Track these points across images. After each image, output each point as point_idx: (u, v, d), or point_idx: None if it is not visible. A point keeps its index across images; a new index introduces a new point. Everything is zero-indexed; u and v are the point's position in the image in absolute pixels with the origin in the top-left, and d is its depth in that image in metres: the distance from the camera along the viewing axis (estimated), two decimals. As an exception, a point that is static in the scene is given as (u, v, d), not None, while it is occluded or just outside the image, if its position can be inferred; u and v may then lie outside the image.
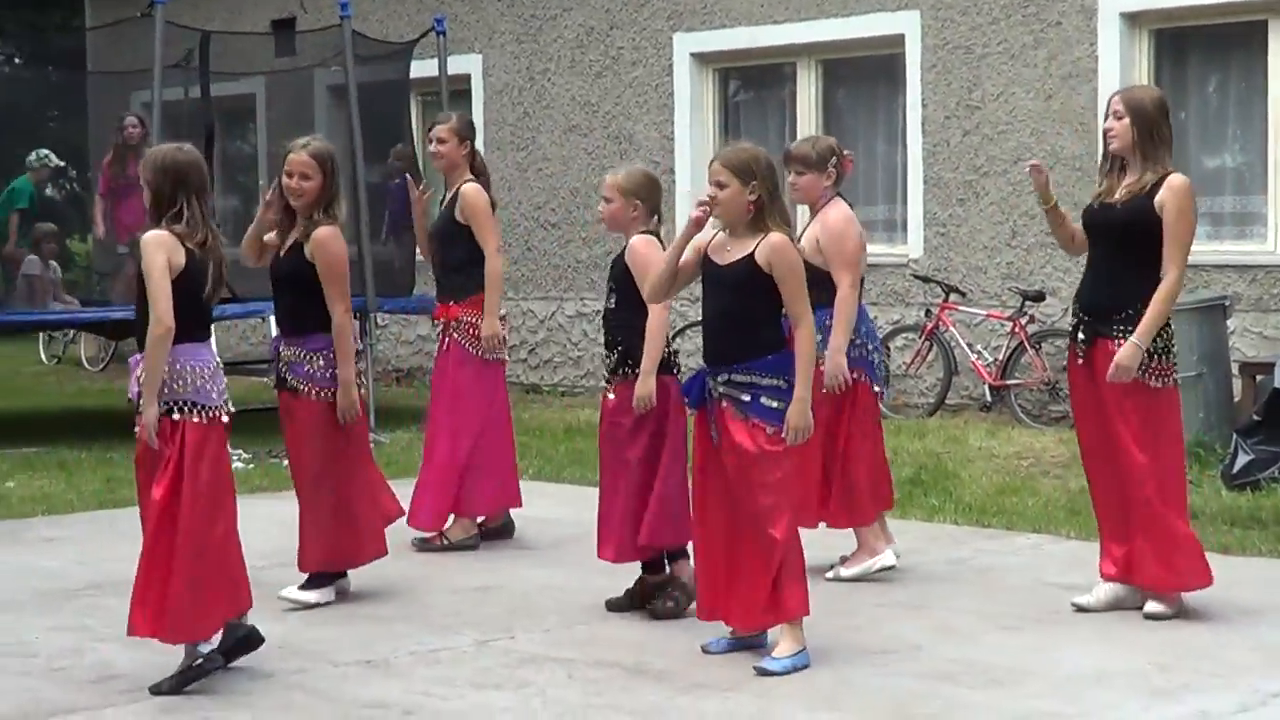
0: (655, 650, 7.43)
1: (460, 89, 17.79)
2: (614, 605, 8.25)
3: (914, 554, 9.38)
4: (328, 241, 8.20)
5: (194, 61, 17.26)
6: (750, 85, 17.27)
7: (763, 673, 7.07)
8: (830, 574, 8.81)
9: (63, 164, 17.59)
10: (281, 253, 8.34)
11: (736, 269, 7.16)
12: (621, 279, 8.09)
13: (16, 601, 8.52)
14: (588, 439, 13.60)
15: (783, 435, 7.09)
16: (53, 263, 16.27)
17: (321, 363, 8.28)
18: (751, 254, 7.13)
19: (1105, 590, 8.08)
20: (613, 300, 8.17)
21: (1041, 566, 9.15)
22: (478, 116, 17.77)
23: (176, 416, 6.87)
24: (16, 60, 30.15)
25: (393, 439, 14.01)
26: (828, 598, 7.85)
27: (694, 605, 7.77)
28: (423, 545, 9.76)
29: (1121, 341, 7.80)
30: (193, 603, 6.86)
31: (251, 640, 7.06)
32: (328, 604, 8.38)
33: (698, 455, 7.40)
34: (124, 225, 16.35)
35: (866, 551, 8.91)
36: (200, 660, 6.90)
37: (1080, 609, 8.04)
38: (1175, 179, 7.85)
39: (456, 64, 17.29)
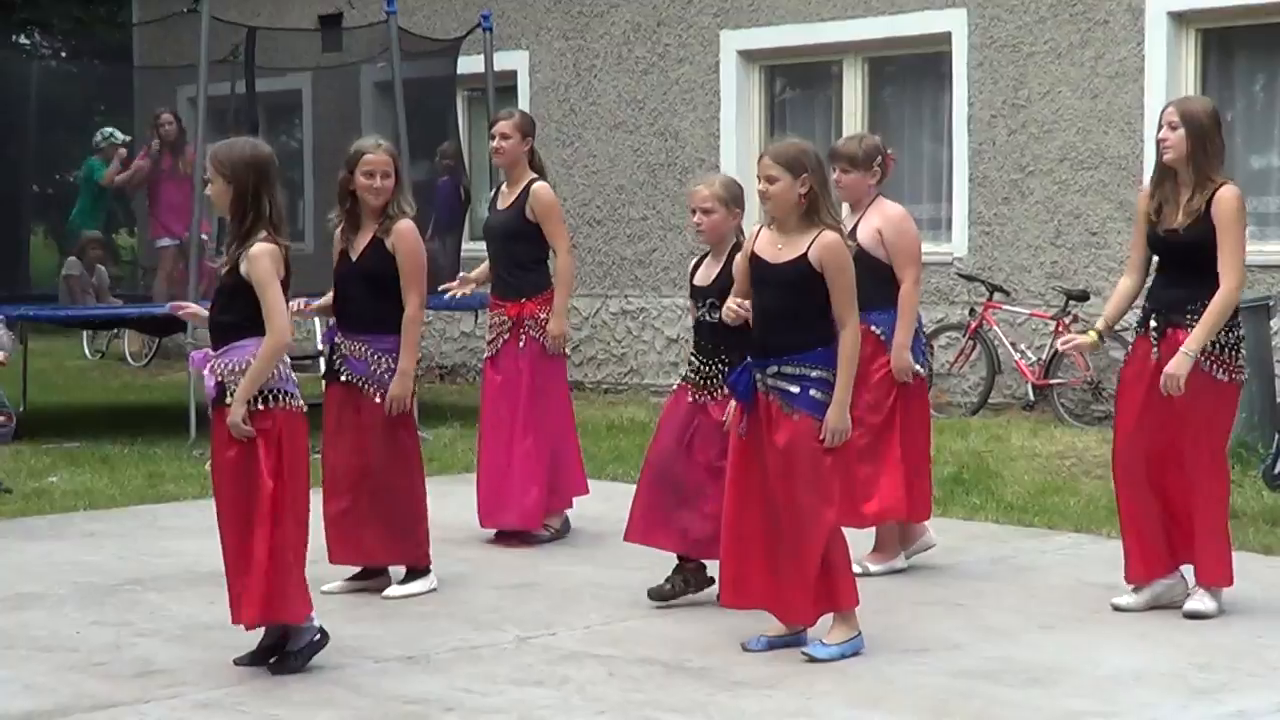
0: (695, 647, 7.44)
1: (506, 85, 17.83)
2: (657, 594, 8.29)
3: (955, 552, 9.38)
4: (409, 233, 8.38)
5: (240, 57, 17.33)
6: (796, 83, 17.25)
7: (811, 659, 7.15)
8: (857, 569, 8.83)
9: (129, 138, 17.75)
10: (354, 255, 8.44)
11: (790, 269, 7.15)
12: (728, 293, 7.88)
13: (58, 596, 8.56)
14: (630, 436, 13.65)
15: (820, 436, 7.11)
16: (100, 268, 16.32)
17: (388, 363, 8.38)
18: (805, 254, 7.12)
19: (1147, 591, 8.07)
20: (716, 315, 7.96)
21: (1082, 566, 9.13)
22: (523, 114, 17.77)
23: (272, 405, 6.95)
24: (63, 54, 30.34)
25: (436, 435, 14.04)
26: (866, 596, 7.81)
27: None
28: (521, 539, 9.86)
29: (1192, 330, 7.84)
30: (302, 581, 7.02)
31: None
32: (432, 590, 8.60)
33: (735, 449, 7.40)
34: (160, 221, 16.44)
35: (898, 544, 8.96)
36: (317, 636, 7.07)
37: (1119, 609, 8.04)
38: (1223, 192, 7.85)
39: (503, 60, 17.33)
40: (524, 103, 18.14)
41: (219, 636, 7.18)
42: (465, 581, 8.84)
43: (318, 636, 7.10)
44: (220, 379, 6.97)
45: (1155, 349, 7.93)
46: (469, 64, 16.86)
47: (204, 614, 7.95)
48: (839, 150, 8.86)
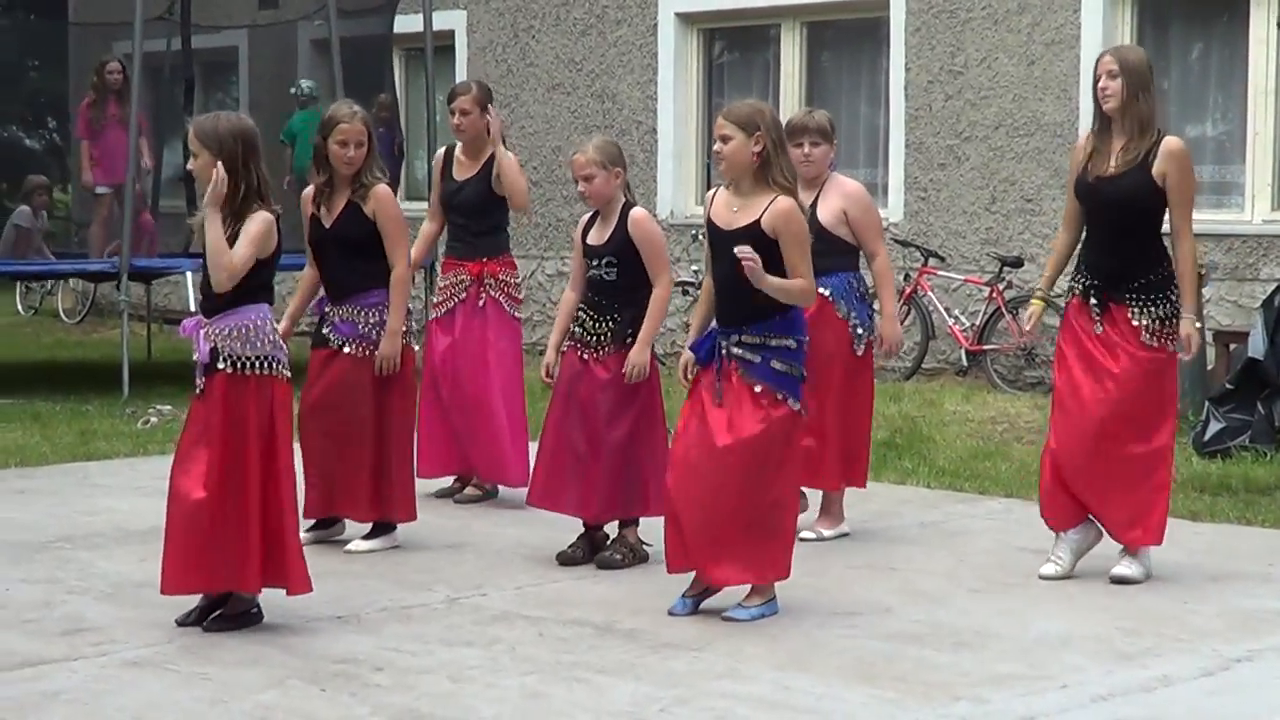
0: (626, 609, 7.46)
1: (444, 45, 17.75)
2: (567, 559, 8.36)
3: (886, 516, 9.43)
4: (388, 197, 8.49)
5: (176, 13, 17.22)
6: (734, 46, 17.24)
7: (728, 620, 7.19)
8: (811, 535, 8.84)
9: (314, 82, 18.11)
10: (329, 221, 8.52)
11: (743, 235, 7.14)
12: (624, 251, 8.10)
13: (-12, 552, 8.53)
14: (565, 398, 13.61)
15: (777, 397, 7.15)
16: (44, 213, 16.29)
17: (376, 318, 8.47)
18: (758, 220, 7.13)
19: (1066, 550, 8.10)
20: (613, 272, 8.15)
21: (1011, 531, 9.19)
22: (460, 74, 17.72)
23: (269, 372, 6.99)
24: (-4, 9, 30.00)
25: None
26: (797, 559, 7.85)
27: (639, 562, 8.24)
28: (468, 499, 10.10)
29: (1133, 310, 7.88)
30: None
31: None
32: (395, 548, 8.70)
33: (687, 413, 7.38)
34: (102, 167, 16.38)
35: (840, 512, 8.99)
36: (254, 609, 7.12)
37: (1045, 578, 8.06)
38: (1172, 144, 7.88)
39: (441, 20, 17.24)
40: (461, 63, 18.09)
41: (149, 594, 7.15)
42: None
43: (254, 610, 7.11)
44: (214, 344, 6.94)
45: (1098, 324, 7.95)
46: (406, 23, 16.79)
47: (135, 572, 7.92)
48: (809, 125, 8.78)
